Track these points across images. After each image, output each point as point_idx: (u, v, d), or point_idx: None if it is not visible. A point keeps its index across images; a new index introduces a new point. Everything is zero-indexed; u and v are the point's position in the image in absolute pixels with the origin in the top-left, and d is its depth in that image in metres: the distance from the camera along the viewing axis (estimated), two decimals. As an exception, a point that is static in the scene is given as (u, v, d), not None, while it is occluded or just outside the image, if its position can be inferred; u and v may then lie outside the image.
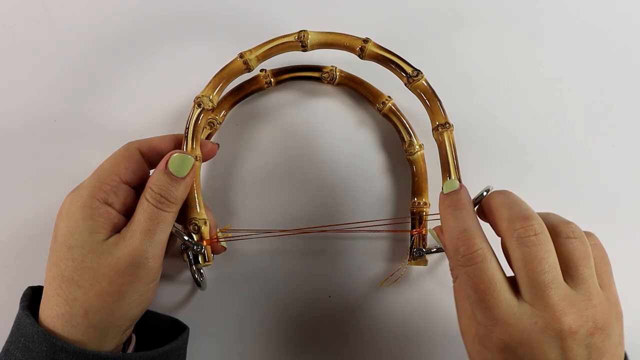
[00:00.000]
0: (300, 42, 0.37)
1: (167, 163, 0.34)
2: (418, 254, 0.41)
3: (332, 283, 0.42)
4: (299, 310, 0.40)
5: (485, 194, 0.34)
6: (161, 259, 0.34)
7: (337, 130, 0.43)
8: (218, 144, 0.39)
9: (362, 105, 0.43)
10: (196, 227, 0.37)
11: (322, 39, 0.37)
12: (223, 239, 0.39)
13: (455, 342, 0.42)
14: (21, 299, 0.34)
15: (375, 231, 0.42)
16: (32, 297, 0.34)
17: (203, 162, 0.38)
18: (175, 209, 0.34)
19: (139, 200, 0.34)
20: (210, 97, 0.37)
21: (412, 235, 0.41)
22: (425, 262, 0.41)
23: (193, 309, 0.42)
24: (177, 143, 0.37)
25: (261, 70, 0.41)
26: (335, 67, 0.41)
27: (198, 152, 0.37)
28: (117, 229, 0.33)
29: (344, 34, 0.38)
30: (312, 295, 0.42)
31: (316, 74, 0.42)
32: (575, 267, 0.29)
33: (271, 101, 0.43)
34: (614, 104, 0.44)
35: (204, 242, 0.37)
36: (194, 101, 0.37)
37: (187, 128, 0.37)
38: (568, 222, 0.31)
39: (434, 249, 0.41)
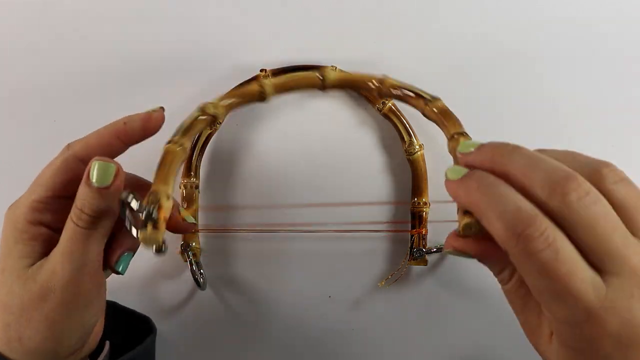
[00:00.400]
0: (321, 78, 0.36)
1: (88, 173, 0.29)
2: (418, 254, 0.41)
3: (332, 283, 0.42)
4: (299, 311, 0.40)
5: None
6: (92, 282, 0.30)
7: (337, 130, 0.43)
8: (162, 108, 0.34)
9: (362, 105, 0.43)
10: (155, 199, 0.28)
11: (341, 76, 0.36)
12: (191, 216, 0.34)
13: (455, 342, 0.42)
14: None
15: (375, 231, 0.42)
16: None
17: (147, 136, 0.33)
18: (102, 224, 0.30)
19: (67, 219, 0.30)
20: (216, 105, 0.34)
21: (412, 235, 0.41)
22: (425, 262, 0.41)
23: (193, 309, 0.42)
24: (120, 135, 0.32)
25: (261, 70, 0.41)
26: (336, 67, 0.41)
27: (186, 144, 0.33)
28: (53, 247, 0.30)
29: (363, 74, 0.36)
30: (312, 295, 0.42)
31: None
32: (636, 215, 0.24)
33: (271, 101, 0.43)
34: (613, 105, 0.44)
35: (161, 214, 0.28)
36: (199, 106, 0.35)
37: (182, 123, 0.34)
38: (607, 164, 0.25)
39: (434, 249, 0.41)
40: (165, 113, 0.42)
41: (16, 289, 0.30)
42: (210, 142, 0.42)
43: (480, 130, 0.43)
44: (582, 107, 0.43)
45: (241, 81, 0.41)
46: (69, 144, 0.32)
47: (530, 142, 0.43)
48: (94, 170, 0.29)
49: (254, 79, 0.41)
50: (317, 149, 0.43)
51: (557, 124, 0.43)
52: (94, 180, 0.29)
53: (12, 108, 0.42)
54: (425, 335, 0.42)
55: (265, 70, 0.41)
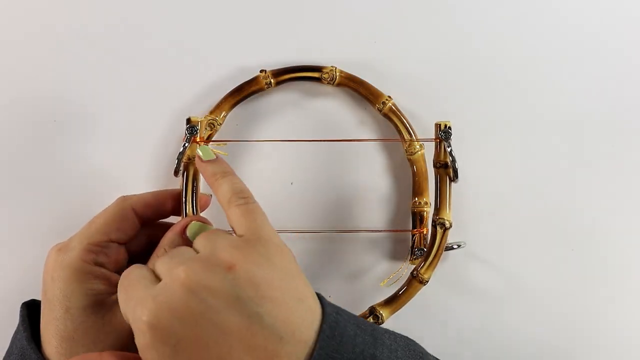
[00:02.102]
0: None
1: (185, 228, 0.33)
2: (419, 253, 0.40)
3: (332, 283, 0.42)
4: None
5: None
6: None
7: (337, 130, 0.43)
8: (211, 195, 0.40)
9: (362, 105, 0.43)
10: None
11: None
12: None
13: (455, 342, 0.42)
14: (22, 327, 0.33)
15: (376, 231, 0.42)
16: (31, 324, 0.34)
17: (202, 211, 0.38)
18: None
19: (150, 258, 0.33)
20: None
21: (413, 235, 0.41)
22: (426, 262, 0.41)
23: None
24: (174, 200, 0.36)
25: (261, 71, 0.41)
26: (335, 67, 0.41)
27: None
28: (115, 285, 0.32)
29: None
30: (312, 296, 0.42)
31: (316, 74, 0.42)
32: None
33: (271, 102, 0.43)
34: (613, 105, 0.43)
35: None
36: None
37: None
38: None
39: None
40: (166, 114, 0.42)
41: (90, 323, 0.31)
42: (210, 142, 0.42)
43: (479, 129, 0.43)
44: (582, 107, 0.43)
45: (241, 82, 0.41)
46: (124, 197, 0.35)
47: (529, 141, 0.43)
48: (192, 227, 0.33)
49: (254, 79, 0.41)
50: (317, 149, 0.42)
51: (556, 124, 0.43)
52: (189, 237, 0.33)
53: (12, 108, 0.42)
54: (426, 335, 0.42)
55: (265, 70, 0.41)
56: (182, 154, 0.37)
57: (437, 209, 0.39)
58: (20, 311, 0.34)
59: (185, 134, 0.37)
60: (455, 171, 0.38)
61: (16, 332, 0.34)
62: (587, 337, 0.42)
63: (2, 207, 0.42)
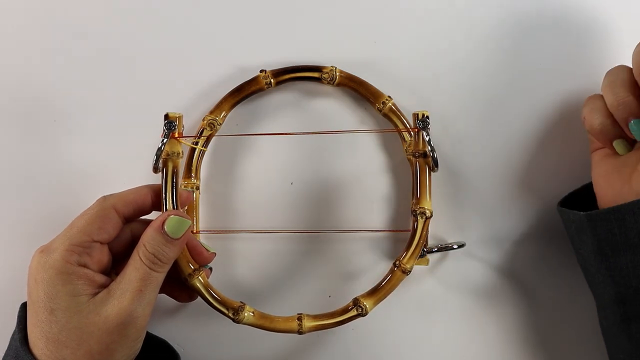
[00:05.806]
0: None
1: (163, 223, 0.33)
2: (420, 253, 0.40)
3: (332, 283, 0.42)
4: (299, 311, 0.40)
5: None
6: (149, 316, 0.34)
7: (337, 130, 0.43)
8: (192, 192, 0.40)
9: (362, 105, 0.43)
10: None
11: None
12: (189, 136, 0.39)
13: (455, 342, 0.42)
14: (17, 328, 0.34)
15: (376, 231, 0.42)
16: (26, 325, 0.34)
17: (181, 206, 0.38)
18: (166, 269, 0.34)
19: (131, 256, 0.34)
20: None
21: (412, 235, 0.41)
22: (426, 262, 0.41)
23: (191, 309, 0.42)
24: (154, 194, 0.37)
25: (261, 71, 0.41)
26: (335, 67, 0.41)
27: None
28: (99, 285, 0.33)
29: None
30: (312, 295, 0.42)
31: (316, 74, 0.42)
32: None
33: (271, 102, 0.43)
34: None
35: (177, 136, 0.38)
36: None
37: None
38: None
39: (435, 249, 0.41)
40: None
41: (75, 324, 0.31)
42: (210, 142, 0.42)
43: (480, 129, 0.43)
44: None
45: (241, 82, 0.42)
46: (105, 196, 0.35)
47: (531, 141, 0.43)
48: (171, 221, 0.34)
49: (254, 79, 0.41)
50: (317, 149, 0.43)
51: (559, 124, 0.43)
52: (168, 230, 0.33)
53: (12, 107, 0.43)
54: (426, 334, 0.42)
55: (265, 70, 0.41)
56: (160, 150, 0.37)
57: (418, 199, 0.39)
58: (18, 312, 0.34)
59: (164, 130, 0.37)
60: (435, 160, 0.38)
61: (13, 333, 0.34)
62: (586, 338, 0.42)
63: (2, 203, 0.42)
